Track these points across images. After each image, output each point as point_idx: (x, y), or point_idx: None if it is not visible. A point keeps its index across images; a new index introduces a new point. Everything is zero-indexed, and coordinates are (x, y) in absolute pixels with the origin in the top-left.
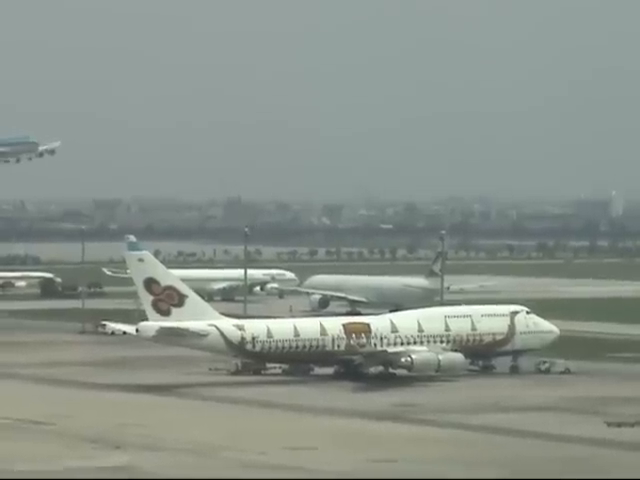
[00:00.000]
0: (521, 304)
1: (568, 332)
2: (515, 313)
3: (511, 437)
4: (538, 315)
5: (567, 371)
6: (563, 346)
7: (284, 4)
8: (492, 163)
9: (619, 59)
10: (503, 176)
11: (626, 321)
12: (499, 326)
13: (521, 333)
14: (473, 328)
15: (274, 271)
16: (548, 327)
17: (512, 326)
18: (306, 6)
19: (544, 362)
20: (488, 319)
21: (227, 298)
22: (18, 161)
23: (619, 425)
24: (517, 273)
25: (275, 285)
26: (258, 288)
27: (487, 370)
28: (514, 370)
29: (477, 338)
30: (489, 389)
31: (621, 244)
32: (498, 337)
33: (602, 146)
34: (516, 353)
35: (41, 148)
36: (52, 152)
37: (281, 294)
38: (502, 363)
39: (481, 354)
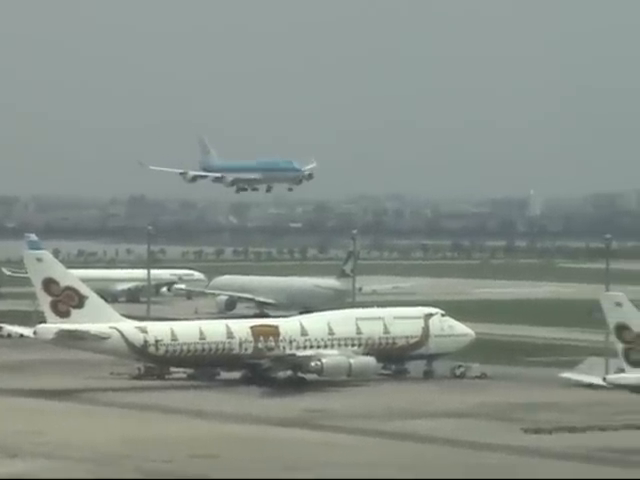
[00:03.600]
0: (436, 306)
1: (484, 335)
2: (429, 315)
3: (421, 444)
4: (453, 317)
5: (483, 376)
6: (479, 350)
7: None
8: (406, 160)
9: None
10: (417, 174)
11: (544, 324)
12: (413, 329)
13: (435, 336)
14: (386, 331)
15: (181, 271)
16: (463, 330)
17: (426, 329)
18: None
19: (459, 366)
20: (401, 322)
21: (132, 299)
22: (269, 190)
23: (536, 432)
24: (432, 274)
25: (182, 286)
26: (165, 289)
27: (400, 375)
28: (428, 375)
29: (390, 341)
30: (402, 394)
31: (539, 244)
32: (412, 340)
33: (519, 144)
34: (430, 357)
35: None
36: (310, 176)
37: (189, 295)
38: (416, 367)
39: (394, 358)
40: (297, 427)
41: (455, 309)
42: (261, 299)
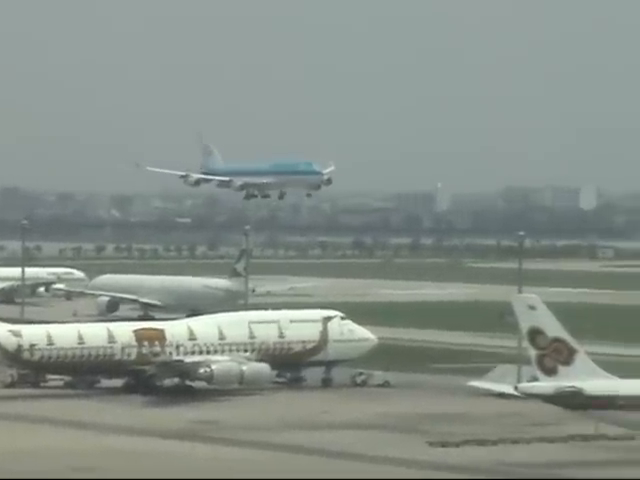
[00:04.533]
0: (335, 308)
1: (387, 340)
2: (328, 319)
3: (318, 458)
4: (354, 321)
5: (386, 384)
6: (381, 356)
7: None
8: (303, 150)
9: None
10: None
11: (451, 328)
12: (310, 333)
13: (335, 341)
14: (281, 335)
15: (60, 270)
16: (365, 334)
17: (324, 333)
18: None
19: (360, 374)
20: (298, 325)
21: (5, 300)
22: (282, 197)
23: (443, 445)
24: (331, 274)
25: (61, 286)
26: (42, 289)
27: (296, 382)
28: (326, 383)
29: (285, 347)
30: (298, 404)
31: (447, 242)
32: (309, 345)
33: (427, 136)
34: (329, 364)
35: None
36: (330, 181)
37: (68, 296)
38: (313, 375)
39: (290, 364)
40: (184, 440)
41: (356, 312)
42: (146, 300)
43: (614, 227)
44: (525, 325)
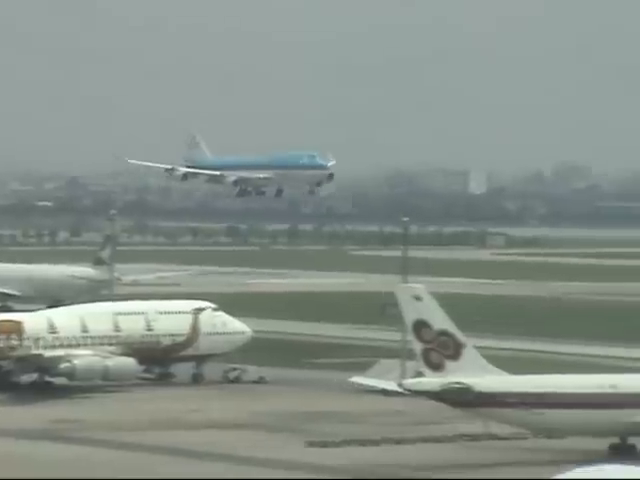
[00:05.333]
0: (207, 299)
1: (263, 333)
2: (199, 310)
3: (187, 459)
4: (227, 313)
5: (261, 380)
6: (257, 350)
7: None
8: (170, 130)
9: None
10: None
11: (332, 320)
12: (180, 326)
13: (206, 334)
14: (148, 328)
15: None
16: (239, 327)
17: (195, 326)
18: None
19: (234, 369)
20: (167, 317)
21: None
22: (279, 194)
23: (322, 445)
24: (203, 262)
25: None
26: None
27: (165, 379)
28: (197, 379)
29: (153, 340)
30: (167, 402)
31: (327, 228)
32: (178, 339)
33: (303, 114)
34: (200, 358)
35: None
36: (331, 177)
37: None
38: (183, 370)
39: (158, 359)
40: (44, 440)
41: (229, 303)
42: (2, 290)
43: (505, 213)
44: (410, 317)
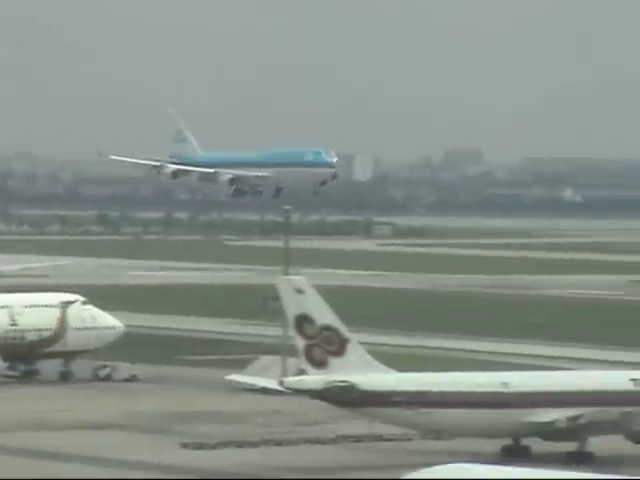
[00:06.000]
0: (76, 292)
1: (136, 328)
2: (67, 304)
3: (53, 462)
4: (97, 306)
5: (133, 378)
6: (129, 346)
7: None
8: (37, 113)
9: None
10: (52, 129)
11: (208, 314)
12: (46, 320)
13: (75, 329)
14: (12, 322)
15: None
16: (110, 322)
17: (63, 320)
18: None
19: (104, 366)
20: (32, 311)
21: None
22: (277, 194)
23: (198, 447)
24: (71, 252)
25: None
26: None
27: (30, 376)
28: (65, 376)
29: (18, 335)
30: (33, 401)
31: (203, 217)
32: (45, 334)
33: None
34: (68, 355)
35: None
36: (336, 175)
37: None
38: (50, 367)
39: (23, 356)
40: None
41: (100, 296)
42: None
43: (391, 201)
44: (292, 311)
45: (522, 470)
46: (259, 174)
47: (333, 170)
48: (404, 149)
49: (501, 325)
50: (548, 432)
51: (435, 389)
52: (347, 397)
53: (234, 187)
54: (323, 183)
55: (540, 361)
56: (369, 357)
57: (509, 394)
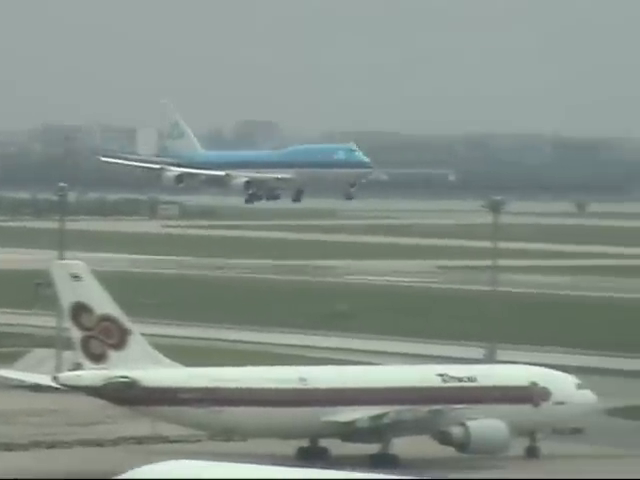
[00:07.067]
0: None
1: None
2: None
3: None
4: None
5: None
6: None
7: None
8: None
9: None
10: None
11: None
12: None
13: None
14: None
15: None
16: None
17: None
18: None
19: None
20: None
21: None
22: (298, 198)
23: None
24: None
25: None
26: None
27: None
28: None
29: None
30: None
31: None
32: None
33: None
34: None
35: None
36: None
37: None
38: None
39: None
40: None
41: None
42: None
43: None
44: (67, 299)
45: (247, 467)
46: (279, 176)
47: (370, 170)
48: (195, 120)
49: (297, 315)
50: (349, 432)
51: (226, 385)
52: (128, 394)
53: (248, 192)
54: (352, 185)
55: (342, 355)
56: (153, 350)
57: (307, 391)
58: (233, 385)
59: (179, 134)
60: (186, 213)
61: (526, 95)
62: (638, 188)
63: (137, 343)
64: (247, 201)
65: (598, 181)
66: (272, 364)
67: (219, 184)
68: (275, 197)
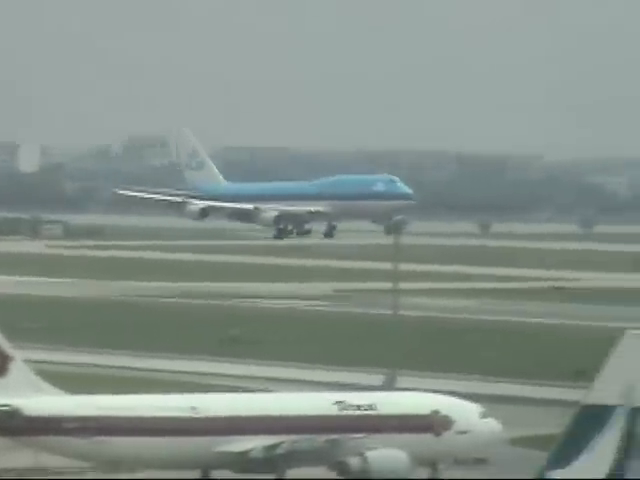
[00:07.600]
0: None
1: None
2: None
3: None
4: None
5: None
6: None
7: None
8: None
9: None
10: None
11: None
12: None
13: None
14: None
15: None
16: None
17: None
18: None
19: None
20: None
21: None
22: (330, 233)
23: None
24: None
25: None
26: None
27: None
28: None
29: None
30: None
31: None
32: None
33: None
34: None
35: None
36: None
37: None
38: None
39: None
40: None
41: None
42: None
43: (64, 196)
44: None
45: None
46: (312, 209)
47: (411, 202)
48: (79, 137)
49: (189, 340)
50: (242, 463)
51: (113, 414)
52: (9, 424)
53: (278, 227)
54: (390, 217)
55: (235, 382)
56: (35, 377)
57: (198, 420)
58: (122, 414)
59: (198, 165)
60: (70, 233)
61: (431, 110)
62: (543, 208)
63: (19, 370)
64: (276, 237)
65: (503, 201)
66: (161, 392)
67: (247, 218)
68: (306, 232)
